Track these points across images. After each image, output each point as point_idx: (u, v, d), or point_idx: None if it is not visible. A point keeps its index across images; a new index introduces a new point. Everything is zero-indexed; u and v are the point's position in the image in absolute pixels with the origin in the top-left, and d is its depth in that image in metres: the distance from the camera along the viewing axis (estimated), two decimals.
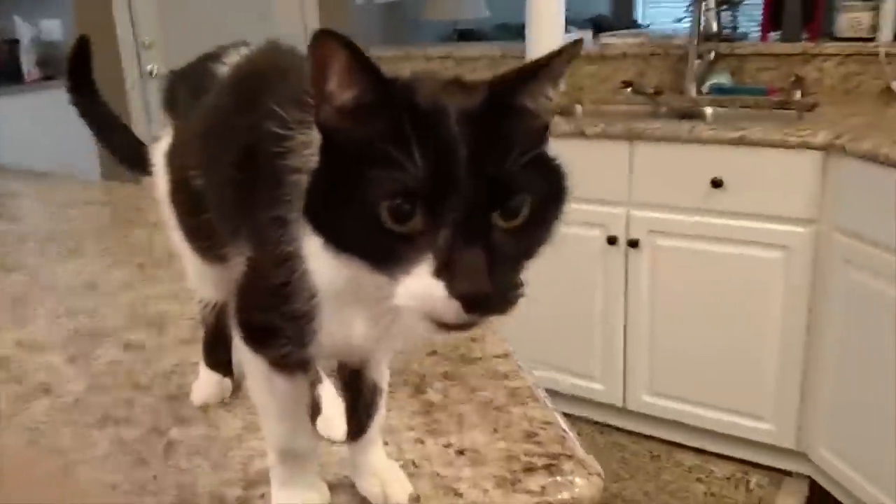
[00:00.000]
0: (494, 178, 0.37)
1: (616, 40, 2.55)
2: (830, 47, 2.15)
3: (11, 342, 0.86)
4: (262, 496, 0.57)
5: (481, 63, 2.82)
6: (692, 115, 2.17)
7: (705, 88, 2.27)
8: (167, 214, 0.65)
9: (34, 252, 1.16)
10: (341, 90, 0.39)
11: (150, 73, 3.81)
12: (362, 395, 0.55)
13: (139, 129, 3.85)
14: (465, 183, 0.37)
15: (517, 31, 4.74)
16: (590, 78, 2.51)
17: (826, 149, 1.65)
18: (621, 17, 5.39)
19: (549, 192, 0.41)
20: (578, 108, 2.35)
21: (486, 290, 0.36)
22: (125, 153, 0.76)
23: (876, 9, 2.10)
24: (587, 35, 2.69)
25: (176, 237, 0.65)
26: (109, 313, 0.92)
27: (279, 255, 0.44)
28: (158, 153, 0.65)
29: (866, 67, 2.11)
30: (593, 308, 2.06)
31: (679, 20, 5.08)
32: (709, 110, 2.17)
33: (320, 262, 0.43)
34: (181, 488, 0.59)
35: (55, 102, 3.32)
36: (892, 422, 1.56)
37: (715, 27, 2.22)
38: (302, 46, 0.45)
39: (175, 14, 3.82)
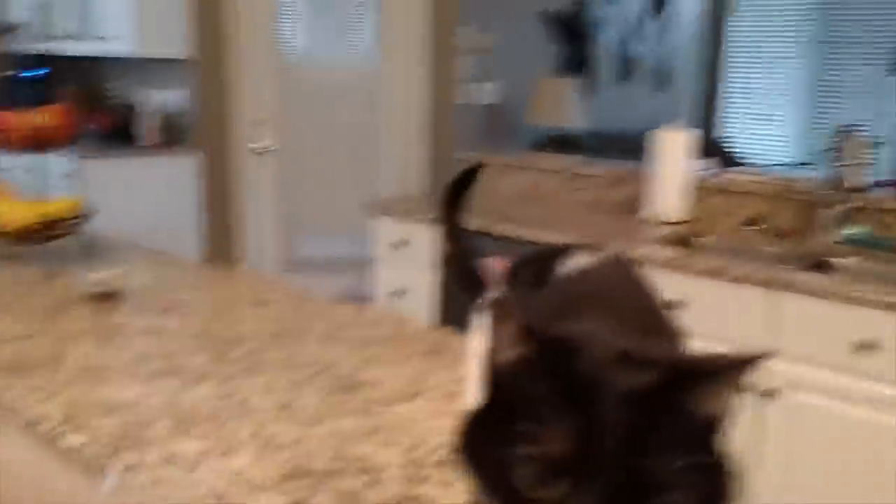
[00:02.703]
0: (642, 474, 0.36)
1: (740, 176, 2.55)
2: None
3: (227, 474, 0.85)
4: None
5: (598, 182, 2.84)
6: (822, 264, 2.13)
7: (839, 237, 2.23)
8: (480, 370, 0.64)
9: (213, 359, 1.17)
10: (510, 347, 0.41)
11: (258, 148, 3.96)
12: None
13: (242, 203, 3.98)
14: (609, 471, 0.35)
15: (608, 140, 4.78)
16: (713, 210, 2.50)
17: None
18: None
19: (707, 494, 0.39)
20: (704, 240, 2.33)
21: None
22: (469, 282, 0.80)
23: None
24: (713, 166, 2.70)
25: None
26: (313, 449, 0.92)
27: None
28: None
29: None
30: None
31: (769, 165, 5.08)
32: (843, 261, 2.12)
33: None
34: None
35: (167, 168, 3.51)
36: None
37: (853, 179, 2.20)
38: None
39: (287, 94, 3.98)
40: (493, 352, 0.42)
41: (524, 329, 0.40)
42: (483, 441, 0.40)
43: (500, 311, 0.42)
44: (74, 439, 0.90)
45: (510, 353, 0.41)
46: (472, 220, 2.47)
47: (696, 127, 2.81)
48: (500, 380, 0.42)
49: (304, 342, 1.26)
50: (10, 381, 1.04)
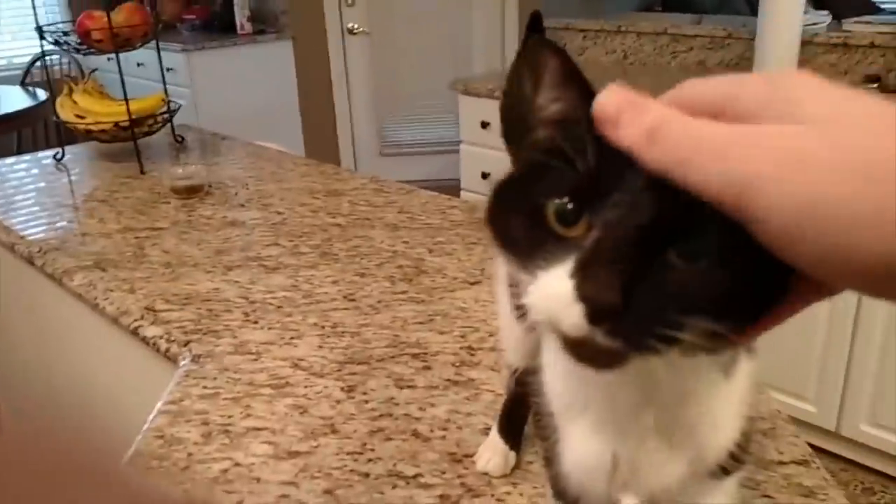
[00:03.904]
0: (675, 206, 0.31)
1: (862, 27, 2.29)
2: None
3: (289, 361, 0.89)
4: None
5: (700, 43, 2.64)
6: None
7: None
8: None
9: (289, 250, 1.21)
10: (549, 102, 0.36)
11: (350, 30, 3.91)
12: None
13: (339, 85, 3.98)
14: (635, 195, 0.32)
15: None
16: (828, 69, 2.28)
17: None
18: None
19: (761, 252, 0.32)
20: None
21: (612, 301, 0.31)
22: None
23: None
24: (824, 19, 2.44)
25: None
26: (372, 337, 0.94)
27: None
28: None
29: None
30: (816, 326, 1.91)
31: None
32: None
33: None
34: None
35: (264, 56, 3.53)
36: None
37: None
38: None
39: None
40: (534, 111, 0.38)
41: (567, 76, 0.36)
42: (512, 200, 0.37)
43: (533, 61, 0.37)
44: (152, 331, 0.97)
45: (553, 108, 0.37)
46: None
47: None
48: (541, 138, 0.37)
49: (373, 232, 1.28)
50: (97, 276, 1.12)
